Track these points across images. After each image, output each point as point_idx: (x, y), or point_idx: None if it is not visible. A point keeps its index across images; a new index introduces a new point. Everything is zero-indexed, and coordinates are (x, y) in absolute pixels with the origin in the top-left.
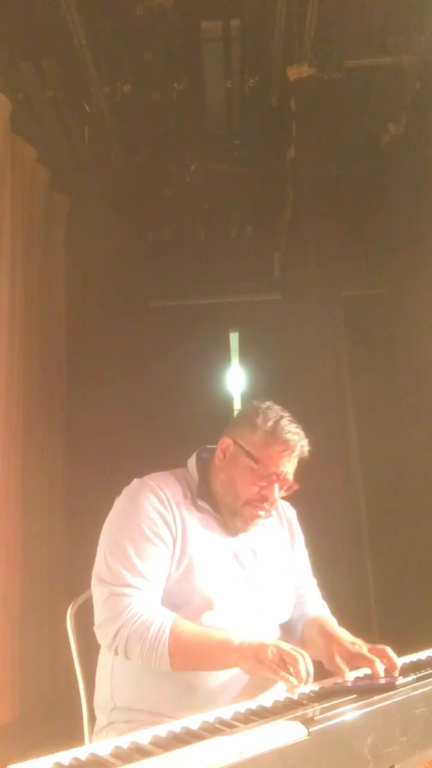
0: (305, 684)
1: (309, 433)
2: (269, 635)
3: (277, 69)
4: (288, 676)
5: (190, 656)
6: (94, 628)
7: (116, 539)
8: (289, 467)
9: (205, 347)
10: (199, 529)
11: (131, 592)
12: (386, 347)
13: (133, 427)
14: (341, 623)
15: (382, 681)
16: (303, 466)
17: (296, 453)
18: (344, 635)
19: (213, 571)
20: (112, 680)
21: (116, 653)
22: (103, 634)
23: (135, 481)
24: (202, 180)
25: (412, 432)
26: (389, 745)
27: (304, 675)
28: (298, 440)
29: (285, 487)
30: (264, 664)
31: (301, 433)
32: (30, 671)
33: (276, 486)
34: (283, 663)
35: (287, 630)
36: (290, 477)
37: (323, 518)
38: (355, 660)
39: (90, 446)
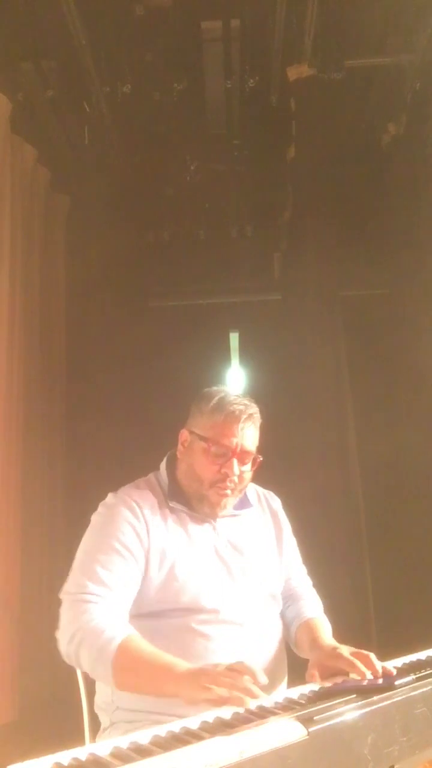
0: (254, 698)
1: (309, 432)
2: (260, 628)
3: (277, 69)
4: (240, 695)
5: (132, 675)
6: (56, 635)
7: (86, 553)
8: (242, 438)
9: (205, 347)
10: (177, 533)
11: (93, 599)
12: (386, 347)
13: (132, 427)
14: (340, 624)
15: (381, 681)
16: (303, 465)
17: (245, 422)
18: (326, 643)
19: (195, 573)
20: None
21: (70, 662)
22: (61, 640)
23: (109, 495)
24: (202, 180)
25: (411, 432)
26: (389, 745)
27: (249, 694)
28: (244, 409)
29: (246, 461)
30: (202, 690)
31: (249, 404)
32: (30, 671)
33: (234, 461)
34: (223, 686)
35: (284, 625)
36: (249, 448)
37: (322, 518)
38: (335, 663)
39: (90, 446)
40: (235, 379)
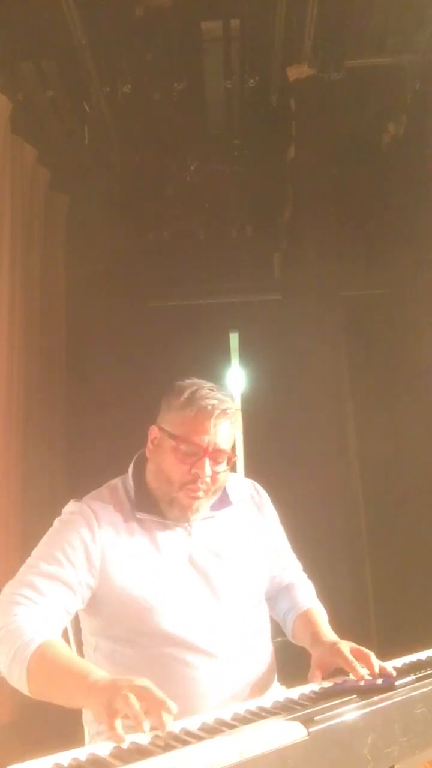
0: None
1: (309, 432)
2: (241, 647)
3: (277, 69)
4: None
5: (45, 682)
6: None
7: (31, 559)
8: (215, 436)
9: (205, 347)
10: (145, 548)
11: (23, 601)
12: (386, 347)
13: (132, 427)
14: (339, 624)
15: (381, 681)
16: (303, 464)
17: (218, 418)
18: (326, 638)
19: (167, 595)
20: None
21: None
22: None
23: (71, 503)
24: (202, 180)
25: (411, 432)
26: (389, 745)
27: (146, 727)
28: (217, 404)
29: (220, 461)
30: (107, 715)
31: (223, 397)
32: None
33: (206, 461)
34: (132, 714)
35: (277, 614)
36: (223, 446)
37: (322, 518)
38: (335, 659)
39: (90, 446)
40: (235, 379)
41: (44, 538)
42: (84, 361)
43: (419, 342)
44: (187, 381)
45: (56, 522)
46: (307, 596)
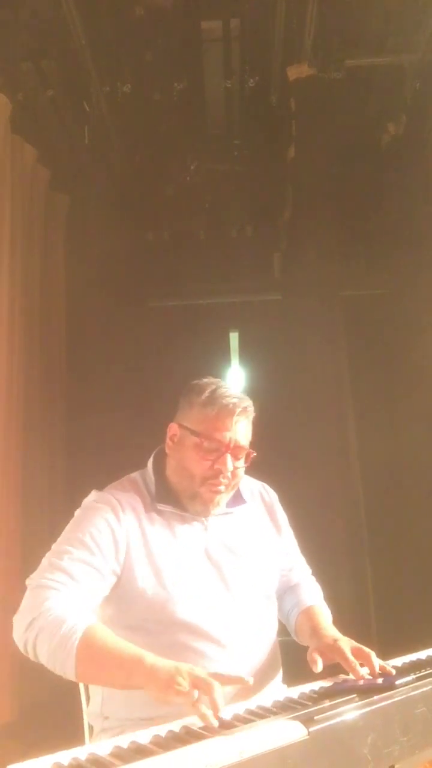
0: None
1: (309, 432)
2: (251, 639)
3: (277, 69)
4: (202, 707)
5: (96, 665)
6: (13, 619)
7: (56, 545)
8: (236, 433)
9: (205, 347)
10: (164, 538)
11: (55, 585)
12: (386, 347)
13: (132, 427)
14: (340, 624)
15: (381, 680)
16: (303, 464)
17: (238, 416)
18: (327, 633)
19: (184, 584)
20: (102, 690)
21: (25, 650)
22: (17, 625)
23: (93, 493)
24: (202, 180)
25: (411, 432)
26: (389, 745)
27: (219, 704)
28: (237, 402)
29: (240, 456)
30: (175, 691)
31: (243, 396)
32: (30, 671)
33: (228, 456)
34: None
35: (281, 612)
36: (243, 443)
37: (322, 518)
38: (334, 656)
39: (90, 446)
40: (235, 379)
41: (68, 527)
42: (84, 361)
43: (419, 342)
44: (205, 380)
45: (78, 512)
46: (312, 595)
